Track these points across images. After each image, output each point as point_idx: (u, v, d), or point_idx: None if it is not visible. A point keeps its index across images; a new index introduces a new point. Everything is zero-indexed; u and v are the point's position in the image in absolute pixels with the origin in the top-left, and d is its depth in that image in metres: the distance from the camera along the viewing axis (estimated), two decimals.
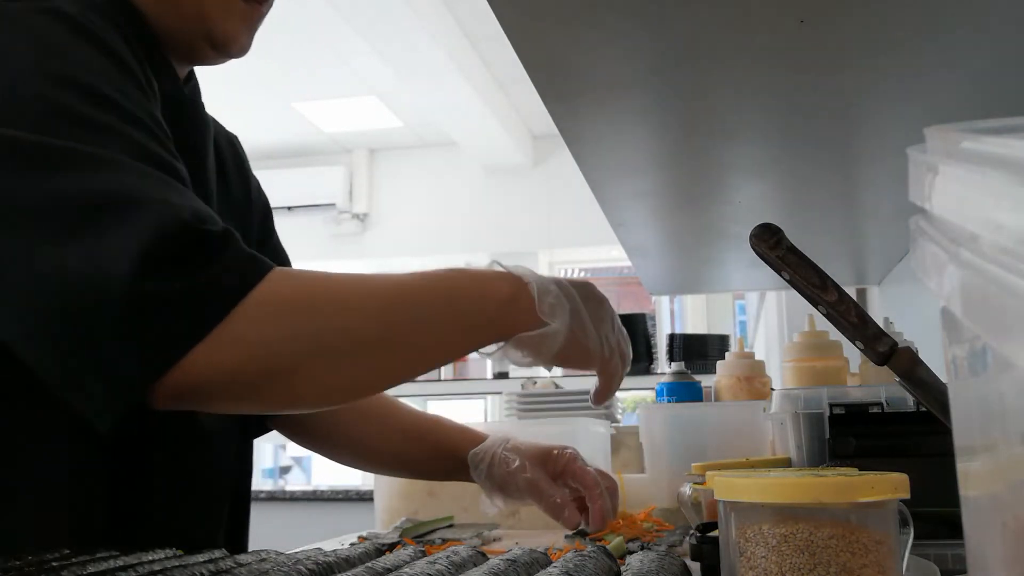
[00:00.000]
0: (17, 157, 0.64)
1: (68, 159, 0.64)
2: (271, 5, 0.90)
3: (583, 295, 0.78)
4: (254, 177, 1.07)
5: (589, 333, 0.76)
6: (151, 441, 0.81)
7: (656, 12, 0.66)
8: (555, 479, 0.99)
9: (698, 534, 0.75)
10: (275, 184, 5.77)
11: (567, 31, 0.70)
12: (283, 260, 1.09)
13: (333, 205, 5.80)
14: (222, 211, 0.89)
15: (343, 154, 5.97)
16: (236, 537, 0.99)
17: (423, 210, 5.84)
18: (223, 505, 0.94)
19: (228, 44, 0.87)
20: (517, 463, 0.98)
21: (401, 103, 5.06)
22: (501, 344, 0.74)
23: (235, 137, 1.06)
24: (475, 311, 0.73)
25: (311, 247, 5.85)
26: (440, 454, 1.05)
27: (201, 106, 0.94)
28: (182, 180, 0.69)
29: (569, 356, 0.75)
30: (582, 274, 6.35)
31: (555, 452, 1.02)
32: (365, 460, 1.13)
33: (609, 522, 0.99)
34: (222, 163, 0.98)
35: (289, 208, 5.65)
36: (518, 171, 5.68)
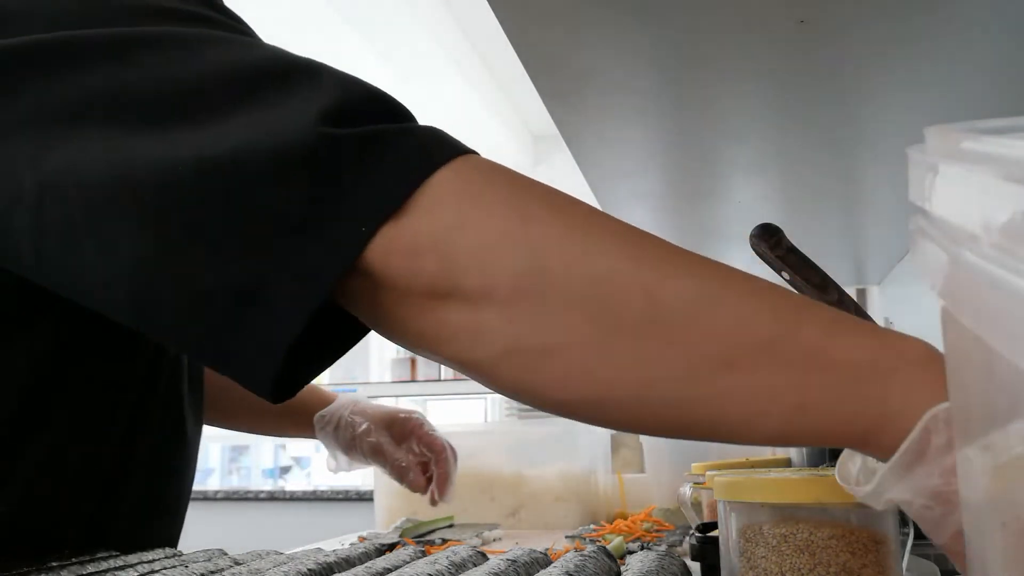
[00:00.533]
0: (152, 49, 0.52)
1: (205, 44, 0.52)
2: None
3: None
4: None
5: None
6: (134, 440, 0.76)
7: (656, 12, 0.66)
8: (400, 443, 1.02)
9: (698, 534, 0.75)
10: None
11: (567, 31, 0.70)
12: None
13: None
14: None
15: None
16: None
17: None
18: (184, 510, 0.90)
19: None
20: (364, 426, 1.00)
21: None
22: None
23: None
24: (834, 362, 0.40)
25: None
26: (288, 408, 1.02)
27: None
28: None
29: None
30: None
31: (401, 416, 1.05)
32: (219, 410, 1.01)
33: (609, 524, 1.00)
34: None
35: None
36: (518, 171, 5.68)
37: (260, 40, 0.56)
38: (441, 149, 0.48)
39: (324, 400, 1.05)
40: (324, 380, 4.71)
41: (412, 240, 0.45)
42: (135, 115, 0.49)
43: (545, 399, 0.45)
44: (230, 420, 1.06)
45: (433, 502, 1.06)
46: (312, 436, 1.05)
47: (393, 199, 0.45)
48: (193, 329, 0.47)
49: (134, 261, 0.47)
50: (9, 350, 0.63)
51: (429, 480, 1.05)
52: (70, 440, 0.70)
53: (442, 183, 0.46)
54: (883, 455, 0.38)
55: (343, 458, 1.04)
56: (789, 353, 0.40)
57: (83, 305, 0.54)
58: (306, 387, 0.97)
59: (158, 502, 0.81)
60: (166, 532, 0.83)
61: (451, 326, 0.45)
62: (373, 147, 0.46)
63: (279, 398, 0.47)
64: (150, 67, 0.51)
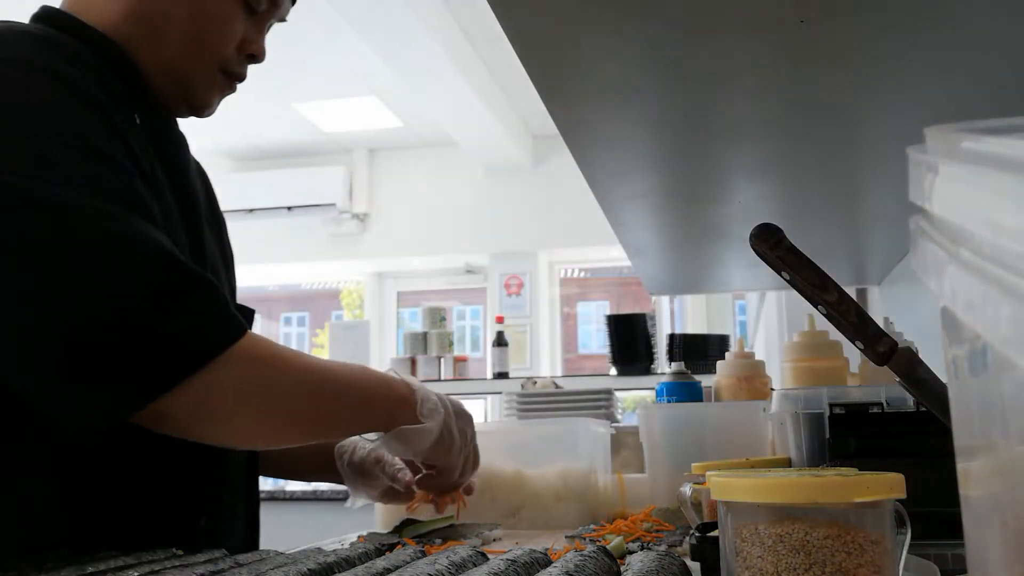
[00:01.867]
0: (10, 199, 0.72)
1: (57, 203, 0.72)
2: (244, 80, 1.01)
3: (455, 409, 0.99)
4: (221, 214, 1.14)
5: (455, 438, 0.97)
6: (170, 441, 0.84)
7: (656, 12, 0.66)
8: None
9: (698, 534, 0.75)
10: (275, 184, 5.79)
11: (567, 31, 0.70)
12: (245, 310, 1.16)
13: (333, 205, 5.79)
14: (207, 231, 1.00)
15: (343, 154, 5.96)
16: (252, 536, 1.04)
17: (423, 210, 5.84)
18: (239, 505, 0.97)
19: (201, 110, 0.99)
20: (369, 445, 1.13)
21: (401, 103, 5.06)
22: (381, 434, 0.92)
23: (204, 171, 1.12)
24: (377, 404, 0.91)
25: (311, 247, 5.85)
26: (319, 449, 1.15)
27: (176, 126, 1.02)
28: (154, 220, 0.79)
29: (436, 453, 0.95)
30: (582, 274, 6.35)
31: None
32: (270, 463, 1.15)
33: (609, 524, 1.02)
34: (201, 198, 1.04)
35: (289, 208, 5.65)
36: (518, 171, 5.68)
37: (100, 209, 0.75)
38: (198, 354, 0.75)
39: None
40: None
41: (172, 414, 0.76)
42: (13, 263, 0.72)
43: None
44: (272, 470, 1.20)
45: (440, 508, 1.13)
46: (334, 478, 1.15)
47: (169, 380, 0.74)
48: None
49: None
50: None
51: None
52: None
53: (192, 384, 0.75)
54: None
55: (363, 493, 1.14)
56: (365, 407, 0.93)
57: None
58: None
59: (217, 489, 0.94)
60: (222, 530, 0.95)
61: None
62: (171, 332, 0.74)
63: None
64: (16, 223, 0.72)
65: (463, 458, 1.01)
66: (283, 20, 1.05)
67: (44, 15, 0.92)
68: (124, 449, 0.82)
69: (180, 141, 1.01)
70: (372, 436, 0.94)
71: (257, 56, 0.99)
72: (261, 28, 0.99)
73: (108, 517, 0.82)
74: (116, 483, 0.83)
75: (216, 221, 1.08)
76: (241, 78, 1.00)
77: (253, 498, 1.04)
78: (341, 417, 0.90)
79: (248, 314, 1.11)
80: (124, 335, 0.71)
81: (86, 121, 0.78)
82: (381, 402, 0.91)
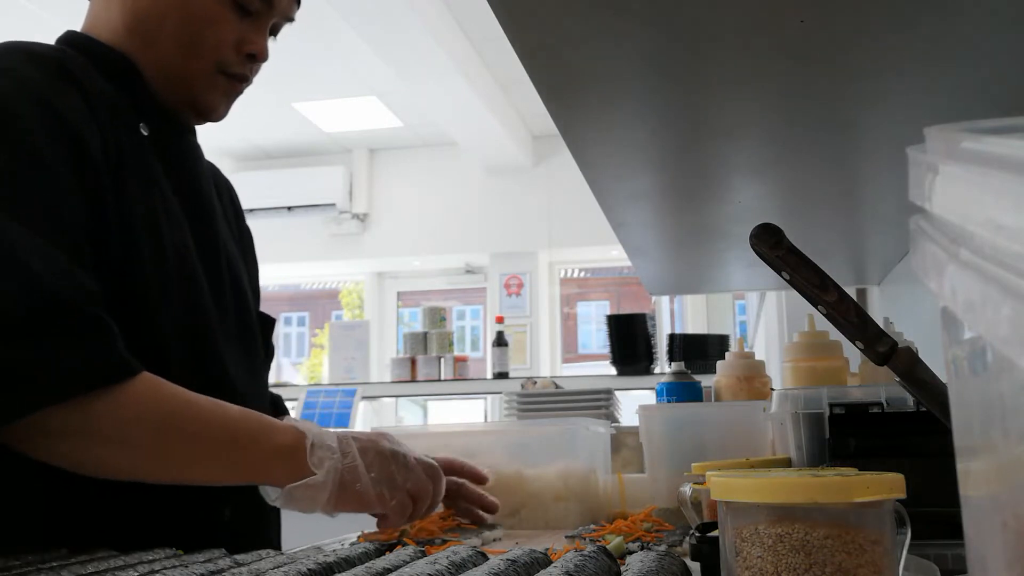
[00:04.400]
0: None
1: None
2: (251, 82, 1.02)
3: (363, 447, 0.88)
4: (247, 226, 1.17)
5: (363, 482, 0.87)
6: None
7: (656, 12, 0.66)
8: None
9: (698, 534, 0.75)
10: (275, 184, 5.79)
11: (567, 31, 0.70)
12: (266, 318, 1.17)
13: (333, 205, 5.80)
14: (224, 236, 1.02)
15: (343, 154, 5.96)
16: (278, 534, 1.06)
17: (423, 210, 5.84)
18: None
19: (208, 113, 0.99)
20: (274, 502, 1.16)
21: (401, 103, 5.06)
22: (279, 492, 0.85)
23: (231, 184, 1.15)
24: (248, 452, 0.84)
25: (311, 247, 5.85)
26: None
27: (191, 138, 1.04)
28: (76, 248, 0.79)
29: (344, 502, 0.86)
30: (582, 274, 6.35)
31: None
32: None
33: (609, 524, 1.02)
34: (220, 204, 1.05)
35: (289, 208, 5.65)
36: (518, 171, 5.68)
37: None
38: (51, 393, 0.74)
39: None
40: (324, 380, 4.70)
41: (26, 438, 0.77)
42: None
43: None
44: None
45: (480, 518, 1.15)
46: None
47: (27, 408, 0.73)
48: None
49: None
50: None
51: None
52: None
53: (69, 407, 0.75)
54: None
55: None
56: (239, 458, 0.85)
57: None
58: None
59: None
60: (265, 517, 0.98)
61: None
62: (24, 364, 0.72)
63: None
64: None
65: (398, 498, 0.90)
66: (290, 20, 1.06)
67: (65, 37, 0.97)
68: None
69: (191, 149, 1.03)
70: (272, 494, 0.86)
71: (258, 56, 1.00)
72: (260, 28, 0.99)
73: (129, 509, 0.85)
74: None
75: (240, 232, 1.12)
76: (244, 79, 1.00)
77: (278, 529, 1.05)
78: (199, 460, 0.83)
79: (268, 323, 1.15)
80: None
81: (37, 127, 0.80)
82: (253, 450, 0.84)
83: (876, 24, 0.68)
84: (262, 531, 0.98)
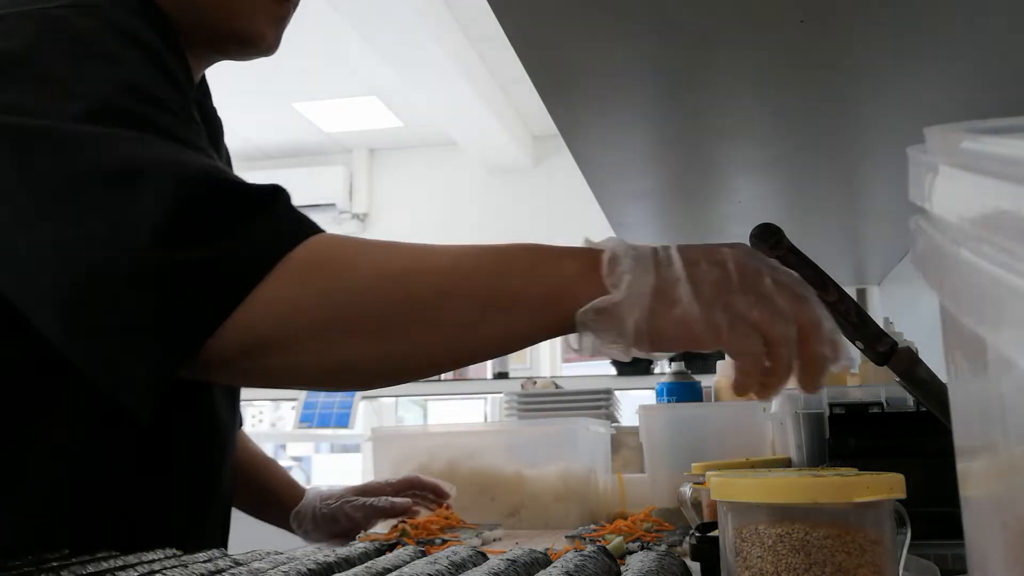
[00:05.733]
0: (47, 144, 0.64)
1: (95, 144, 0.64)
2: (298, 3, 0.90)
3: (690, 257, 0.60)
4: None
5: (686, 304, 0.58)
6: (174, 442, 0.83)
7: (656, 13, 0.66)
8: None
9: (698, 534, 0.75)
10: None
11: (567, 31, 0.70)
12: None
13: (333, 205, 5.79)
14: None
15: (343, 154, 5.96)
16: (224, 536, 1.01)
17: (423, 210, 5.84)
18: (224, 505, 0.96)
19: (256, 41, 0.87)
20: (339, 500, 1.14)
21: (401, 103, 5.06)
22: (574, 335, 0.62)
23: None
24: (524, 291, 0.61)
25: None
26: (267, 502, 1.17)
27: (212, 107, 0.96)
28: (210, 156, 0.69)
29: (661, 335, 0.59)
30: None
31: (366, 483, 1.20)
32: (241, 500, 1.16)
33: (609, 524, 1.02)
34: None
35: None
36: (518, 171, 5.68)
37: (140, 137, 0.66)
38: (258, 261, 0.61)
39: (296, 496, 1.17)
40: None
41: (234, 335, 0.60)
42: (26, 204, 0.64)
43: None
44: None
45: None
46: (281, 526, 1.18)
47: (218, 311, 0.60)
48: (94, 371, 0.64)
49: (48, 329, 0.64)
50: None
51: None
52: (88, 432, 0.77)
53: (258, 297, 0.60)
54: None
55: (320, 538, 1.15)
56: (504, 302, 0.62)
57: None
58: (280, 482, 1.19)
59: (209, 489, 0.88)
60: (218, 521, 0.92)
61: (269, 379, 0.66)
62: (197, 275, 0.60)
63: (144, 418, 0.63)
64: (38, 164, 0.64)
65: (741, 327, 0.58)
66: None
67: None
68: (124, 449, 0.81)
69: (216, 116, 0.96)
70: (572, 342, 0.63)
71: None
72: None
73: (97, 520, 0.79)
74: (109, 486, 0.80)
75: None
76: None
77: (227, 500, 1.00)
78: (467, 317, 0.62)
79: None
80: (147, 280, 0.60)
81: (146, 69, 0.72)
82: (541, 288, 0.61)
83: (876, 24, 0.68)
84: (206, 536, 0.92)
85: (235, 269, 0.61)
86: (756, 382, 0.60)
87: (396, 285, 0.62)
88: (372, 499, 1.15)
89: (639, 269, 0.60)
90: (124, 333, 0.61)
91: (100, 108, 0.66)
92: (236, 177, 0.66)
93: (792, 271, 0.63)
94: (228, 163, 0.99)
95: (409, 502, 1.16)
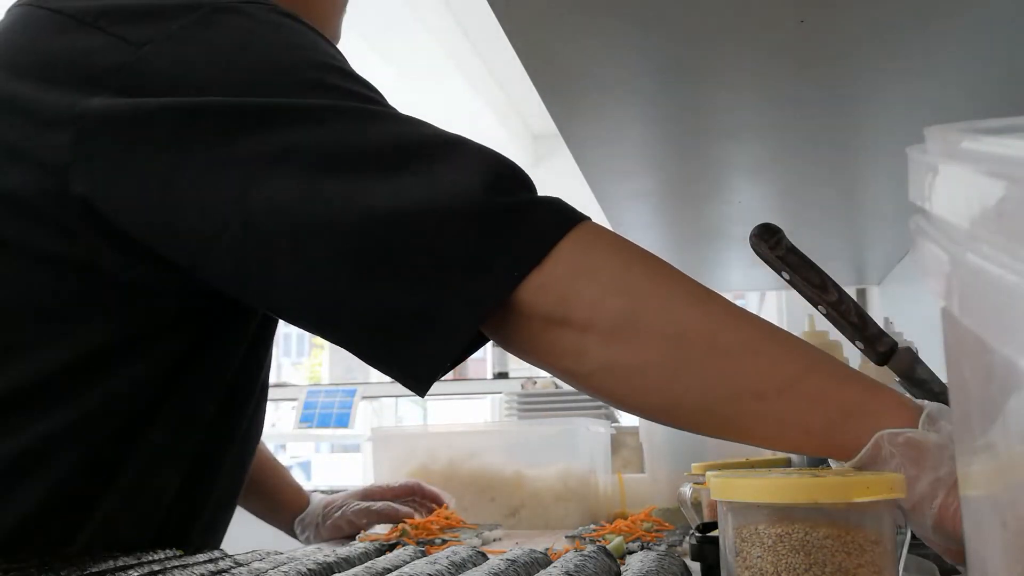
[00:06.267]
0: (336, 116, 0.65)
1: (377, 116, 0.66)
2: None
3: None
4: None
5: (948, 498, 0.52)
6: (223, 451, 0.83)
7: (656, 12, 0.66)
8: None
9: (698, 534, 0.75)
10: None
11: (567, 31, 0.70)
12: None
13: None
14: None
15: None
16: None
17: None
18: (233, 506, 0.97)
19: (335, 41, 0.89)
20: (344, 506, 1.14)
21: (401, 103, 5.06)
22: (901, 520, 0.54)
23: None
24: (856, 419, 0.55)
25: None
26: (272, 505, 1.17)
27: None
28: None
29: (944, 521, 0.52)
30: None
31: (369, 487, 1.22)
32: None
33: (609, 524, 1.02)
34: None
35: None
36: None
37: (407, 116, 0.67)
38: (566, 218, 0.62)
39: (301, 502, 1.18)
40: (324, 380, 4.71)
41: (545, 284, 0.59)
42: (326, 168, 0.61)
43: (628, 405, 0.64)
44: None
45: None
46: (284, 530, 1.19)
47: (537, 254, 0.59)
48: (375, 339, 0.62)
49: (331, 286, 0.61)
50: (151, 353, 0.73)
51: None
52: (175, 434, 0.76)
53: (567, 245, 0.60)
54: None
55: (319, 541, 1.16)
56: (803, 392, 0.57)
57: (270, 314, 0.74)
58: (288, 487, 1.20)
59: (234, 493, 0.88)
60: (228, 522, 0.91)
61: (562, 346, 0.61)
62: (520, 215, 0.61)
63: (426, 392, 0.63)
64: (339, 131, 0.64)
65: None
66: None
67: None
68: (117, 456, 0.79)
69: None
70: (901, 526, 0.53)
71: None
72: None
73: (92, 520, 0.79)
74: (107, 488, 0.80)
75: None
76: None
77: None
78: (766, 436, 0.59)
79: None
80: (473, 224, 0.60)
81: (335, 51, 0.74)
82: (860, 416, 0.55)
83: (876, 24, 0.68)
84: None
85: (547, 218, 0.61)
86: None
87: (726, 360, 0.58)
88: (375, 504, 1.16)
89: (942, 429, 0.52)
90: (445, 274, 0.60)
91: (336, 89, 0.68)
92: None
93: None
94: None
95: (410, 511, 1.17)
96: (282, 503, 1.18)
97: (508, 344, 0.64)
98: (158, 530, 0.80)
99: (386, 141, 0.63)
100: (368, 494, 1.19)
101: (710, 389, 0.58)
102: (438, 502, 1.21)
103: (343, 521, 1.14)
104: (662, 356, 0.59)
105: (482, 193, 0.60)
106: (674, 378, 0.59)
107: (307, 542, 1.16)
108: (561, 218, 0.61)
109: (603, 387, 0.62)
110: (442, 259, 0.59)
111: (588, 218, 0.63)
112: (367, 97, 0.68)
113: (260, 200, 0.61)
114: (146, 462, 0.75)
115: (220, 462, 0.84)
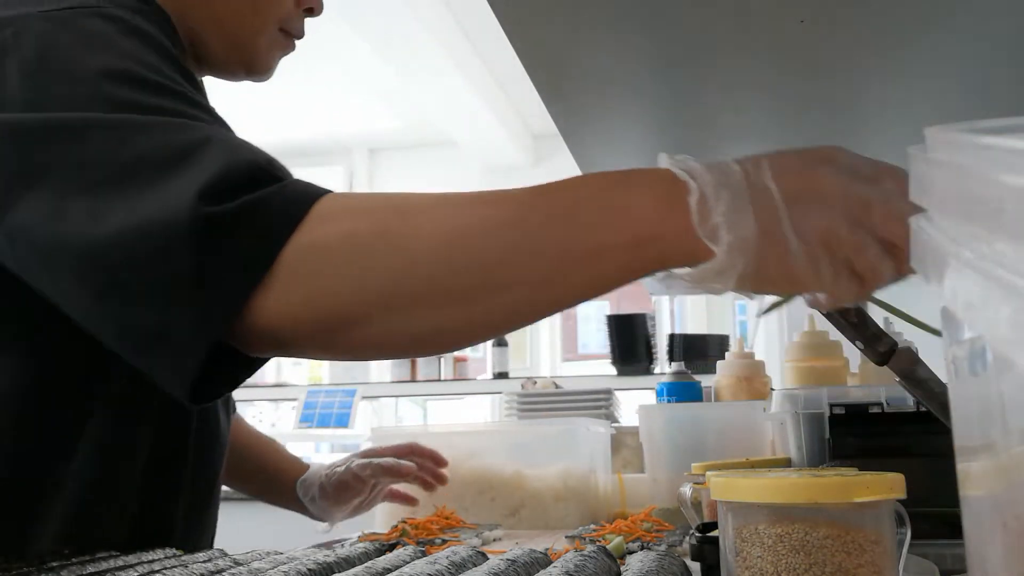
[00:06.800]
0: (89, 133, 0.64)
1: (140, 129, 0.64)
2: (302, 38, 0.97)
3: (790, 190, 0.53)
4: None
5: (792, 251, 0.53)
6: (181, 446, 0.84)
7: (656, 12, 0.66)
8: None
9: (698, 534, 0.75)
10: None
11: (567, 31, 0.70)
12: None
13: None
14: None
15: (343, 154, 5.97)
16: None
17: None
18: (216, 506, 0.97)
19: (263, 71, 0.94)
20: (346, 464, 1.17)
21: (401, 103, 5.06)
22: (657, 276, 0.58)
23: None
24: (604, 241, 0.56)
25: None
26: (270, 477, 1.18)
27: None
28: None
29: (764, 281, 0.55)
30: None
31: (372, 446, 1.25)
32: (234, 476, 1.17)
33: (609, 524, 1.02)
34: None
35: None
36: (518, 171, 5.68)
37: (178, 123, 0.65)
38: (298, 207, 0.59)
39: (300, 468, 1.20)
40: (324, 380, 4.70)
41: (283, 289, 0.58)
42: (77, 187, 0.62)
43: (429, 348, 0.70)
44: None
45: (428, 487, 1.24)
46: (288, 506, 1.20)
47: (263, 260, 0.58)
48: (130, 354, 0.63)
49: (80, 303, 0.63)
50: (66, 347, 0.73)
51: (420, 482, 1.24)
52: (113, 431, 0.77)
53: (301, 237, 0.58)
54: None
55: (333, 511, 1.19)
56: (582, 254, 0.57)
57: None
58: (285, 458, 1.19)
59: (207, 491, 0.89)
60: (212, 522, 0.93)
61: (328, 343, 0.62)
62: (241, 219, 0.58)
63: (198, 403, 0.62)
64: (94, 148, 0.63)
65: (822, 271, 0.53)
66: None
67: None
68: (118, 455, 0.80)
69: None
70: (655, 283, 0.59)
71: (315, 9, 0.95)
72: None
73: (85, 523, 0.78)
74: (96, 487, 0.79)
75: None
76: (299, 35, 0.96)
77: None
78: (533, 273, 0.58)
79: None
80: (193, 246, 0.58)
81: (162, 64, 0.71)
82: (618, 240, 0.56)
83: (876, 24, 0.68)
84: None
85: (271, 218, 0.58)
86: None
87: (462, 251, 0.58)
88: (378, 459, 1.18)
89: (736, 214, 0.53)
90: (167, 292, 0.59)
91: (126, 105, 0.66)
92: (263, 154, 0.64)
93: (899, 171, 0.54)
94: None
95: (413, 466, 1.20)
96: (282, 471, 1.19)
97: (279, 352, 0.63)
98: (132, 527, 0.81)
99: (133, 156, 0.62)
100: (369, 453, 1.22)
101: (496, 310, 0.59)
102: (436, 459, 1.24)
103: (348, 475, 1.16)
104: (442, 318, 0.59)
105: (193, 207, 0.57)
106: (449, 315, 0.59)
107: (311, 504, 1.16)
108: (293, 209, 0.58)
109: (392, 353, 0.65)
110: (165, 278, 0.58)
111: (325, 194, 0.60)
112: (148, 106, 0.66)
113: (16, 219, 0.63)
114: (94, 456, 0.76)
115: (184, 455, 0.84)
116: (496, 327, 0.62)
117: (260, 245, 0.58)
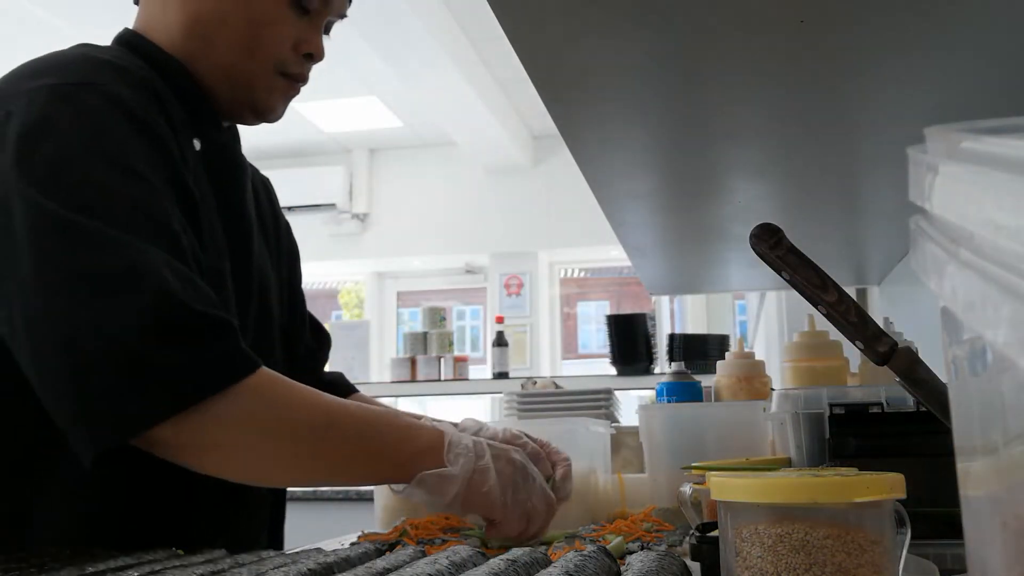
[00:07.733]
0: (58, 231, 0.75)
1: (94, 237, 0.75)
2: (307, 81, 1.03)
3: (498, 456, 0.89)
4: (284, 220, 1.17)
5: (492, 487, 0.87)
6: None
7: (656, 12, 0.66)
8: None
9: (698, 534, 0.75)
10: (275, 184, 5.79)
11: (567, 31, 0.70)
12: (302, 305, 1.27)
13: (333, 205, 5.79)
14: (259, 252, 1.02)
15: (343, 154, 5.96)
16: (275, 535, 1.07)
17: (423, 210, 5.84)
18: (267, 504, 0.99)
19: (267, 113, 1.00)
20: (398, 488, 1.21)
21: (401, 103, 5.06)
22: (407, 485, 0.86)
23: (268, 180, 1.16)
24: (393, 453, 0.85)
25: (311, 247, 5.84)
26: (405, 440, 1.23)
27: (238, 149, 1.06)
28: (183, 254, 0.80)
29: (470, 501, 0.86)
30: (582, 274, 6.35)
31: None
32: None
33: (609, 524, 1.02)
34: (258, 205, 1.06)
35: (289, 208, 5.64)
36: (518, 171, 5.68)
37: (113, 236, 0.76)
38: (214, 381, 0.75)
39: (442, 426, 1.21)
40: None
41: (178, 433, 0.75)
42: (32, 287, 0.75)
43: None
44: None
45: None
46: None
47: (174, 407, 0.74)
48: (56, 416, 0.76)
49: (30, 372, 0.77)
50: None
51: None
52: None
53: (214, 406, 0.75)
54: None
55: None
56: (378, 455, 0.87)
57: None
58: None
59: (234, 500, 0.93)
60: (245, 529, 0.98)
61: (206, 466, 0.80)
62: (168, 366, 0.73)
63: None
64: (44, 251, 0.76)
65: (517, 511, 0.89)
66: (343, 16, 1.05)
67: (123, 37, 0.96)
68: (144, 468, 0.82)
69: (238, 164, 1.03)
70: (398, 487, 0.88)
71: (315, 55, 1.01)
72: (317, 27, 1.00)
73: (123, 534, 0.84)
74: (133, 500, 0.86)
75: (278, 230, 1.14)
76: (302, 79, 1.01)
77: (277, 528, 1.07)
78: (347, 462, 0.85)
79: (324, 339, 1.30)
80: (121, 365, 0.72)
81: (133, 142, 0.81)
82: (399, 452, 0.86)
83: (875, 24, 0.68)
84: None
85: (193, 383, 0.74)
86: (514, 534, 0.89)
87: (320, 428, 0.82)
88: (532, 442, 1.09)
89: (466, 456, 0.87)
90: (97, 401, 0.72)
91: (100, 192, 0.77)
92: (202, 294, 0.78)
93: (538, 474, 0.94)
94: (263, 188, 1.15)
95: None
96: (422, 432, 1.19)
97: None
98: (136, 526, 0.86)
99: (81, 266, 0.75)
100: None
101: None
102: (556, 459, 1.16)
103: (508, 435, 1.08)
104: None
105: (135, 339, 0.73)
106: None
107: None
108: (201, 382, 0.74)
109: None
110: (86, 391, 0.73)
111: (249, 373, 0.77)
112: (100, 210, 0.77)
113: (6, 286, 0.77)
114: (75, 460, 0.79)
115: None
116: (307, 483, 0.95)
117: (172, 396, 0.73)
